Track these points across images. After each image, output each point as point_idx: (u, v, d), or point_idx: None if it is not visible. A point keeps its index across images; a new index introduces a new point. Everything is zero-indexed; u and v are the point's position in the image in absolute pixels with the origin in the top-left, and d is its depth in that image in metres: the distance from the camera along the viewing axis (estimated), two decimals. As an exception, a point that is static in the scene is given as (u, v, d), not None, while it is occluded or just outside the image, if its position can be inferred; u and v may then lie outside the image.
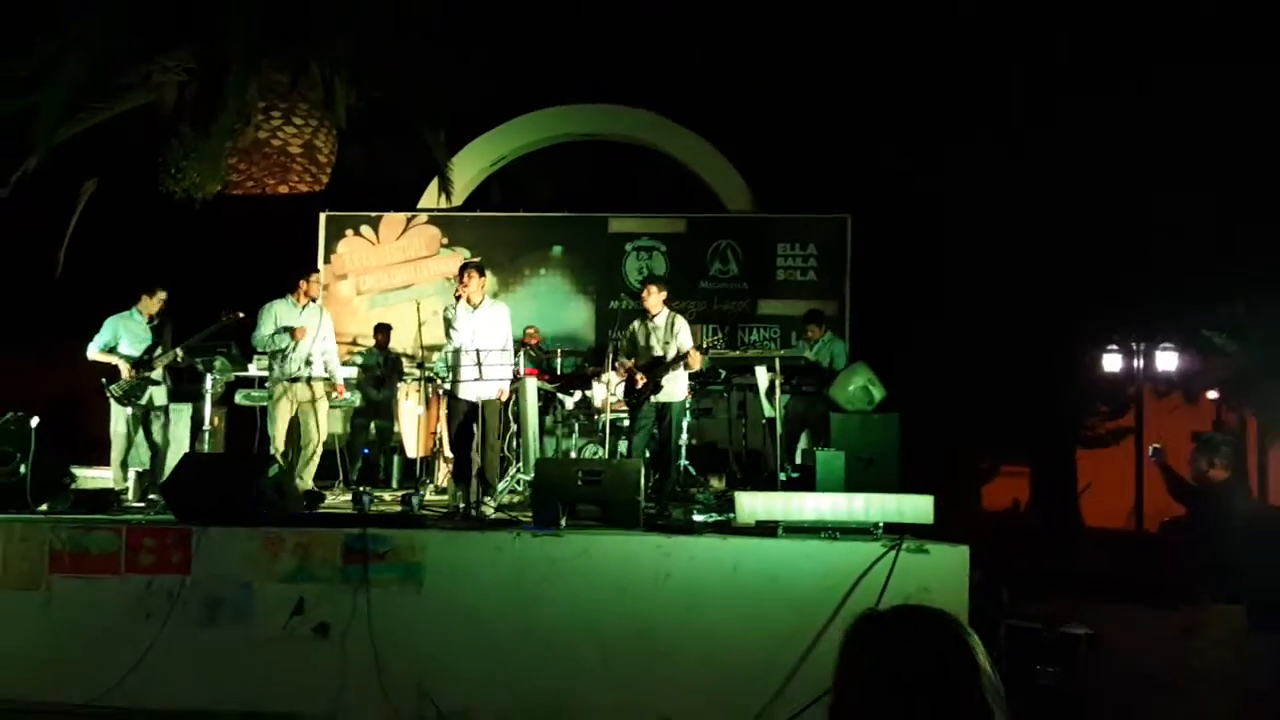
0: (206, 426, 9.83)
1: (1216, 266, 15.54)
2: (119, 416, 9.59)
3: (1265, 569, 6.49)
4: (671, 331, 9.43)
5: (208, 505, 7.79)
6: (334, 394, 9.95)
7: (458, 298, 9.16)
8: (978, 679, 1.55)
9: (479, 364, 8.75)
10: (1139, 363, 18.62)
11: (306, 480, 9.61)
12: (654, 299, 9.53)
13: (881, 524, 7.52)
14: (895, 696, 1.54)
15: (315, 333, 9.62)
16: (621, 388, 9.77)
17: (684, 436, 10.63)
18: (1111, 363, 18.99)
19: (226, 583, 7.49)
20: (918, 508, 7.60)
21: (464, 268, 9.30)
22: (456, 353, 8.87)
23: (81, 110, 13.59)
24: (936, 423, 12.70)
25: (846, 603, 7.00)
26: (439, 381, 10.44)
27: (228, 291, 10.48)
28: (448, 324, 9.02)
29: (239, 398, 10.76)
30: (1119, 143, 14.27)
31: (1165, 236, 14.97)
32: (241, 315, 9.67)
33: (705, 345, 9.97)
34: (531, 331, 12.07)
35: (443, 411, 10.58)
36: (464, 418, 8.99)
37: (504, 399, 9.23)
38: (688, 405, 10.50)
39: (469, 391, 8.92)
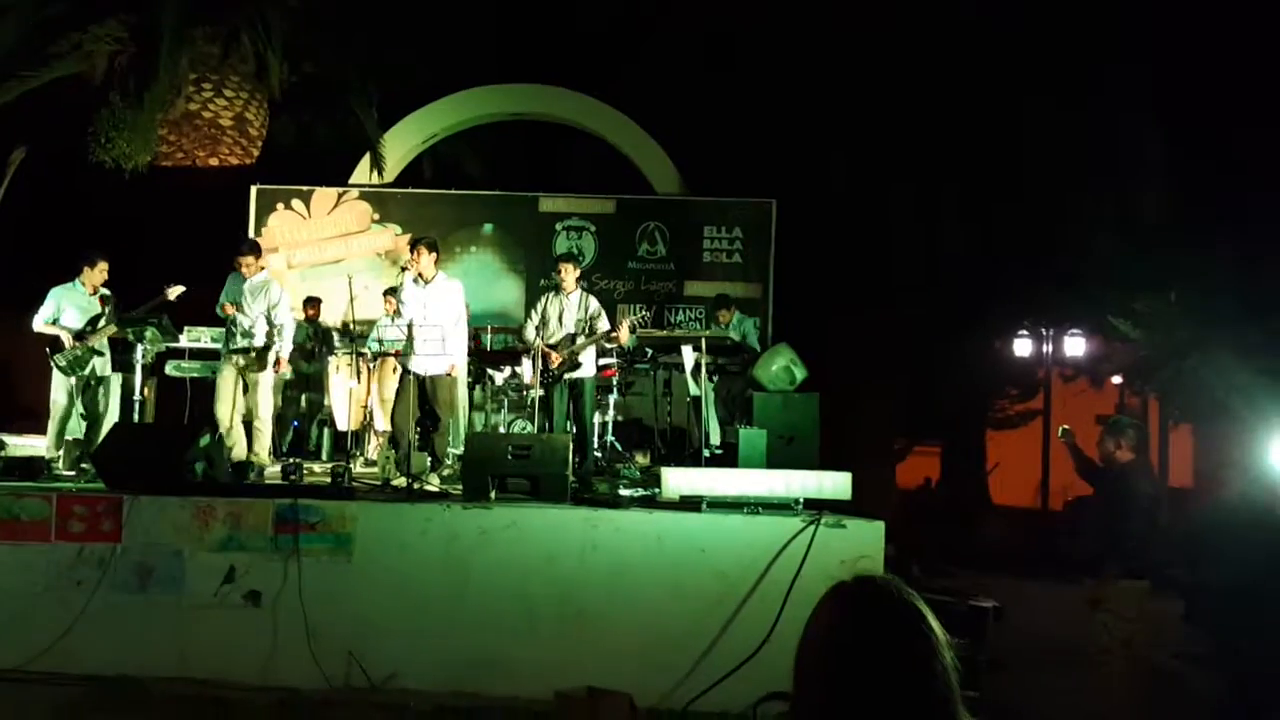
0: (137, 396, 9.72)
1: (1124, 258, 15.90)
2: (60, 386, 9.47)
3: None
4: (584, 309, 9.46)
5: (138, 474, 7.74)
6: (276, 368, 9.84)
7: (404, 269, 9.16)
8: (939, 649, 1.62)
9: (418, 339, 8.80)
10: (1048, 348, 19.09)
11: (261, 455, 9.54)
12: (569, 276, 9.54)
13: (802, 500, 7.68)
14: (866, 663, 1.59)
15: (257, 304, 9.53)
16: (536, 365, 9.79)
17: (610, 413, 10.71)
18: (1022, 348, 19.45)
19: (158, 551, 7.47)
20: (836, 484, 7.76)
21: (414, 243, 9.29)
22: (409, 327, 8.89)
23: (11, 78, 13.31)
24: (854, 402, 12.91)
25: (768, 574, 7.16)
26: (367, 355, 10.43)
27: (161, 264, 10.39)
28: (395, 299, 9.04)
29: (169, 368, 10.65)
30: (1033, 139, 14.55)
31: (1076, 229, 15.30)
32: (183, 289, 9.58)
33: (634, 323, 10.02)
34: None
35: (373, 384, 10.58)
36: (417, 393, 9.03)
37: (454, 374, 9.27)
38: (615, 382, 10.59)
39: (418, 366, 8.95)
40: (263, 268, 9.74)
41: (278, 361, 9.64)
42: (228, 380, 9.45)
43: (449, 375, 9.12)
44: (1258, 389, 15.03)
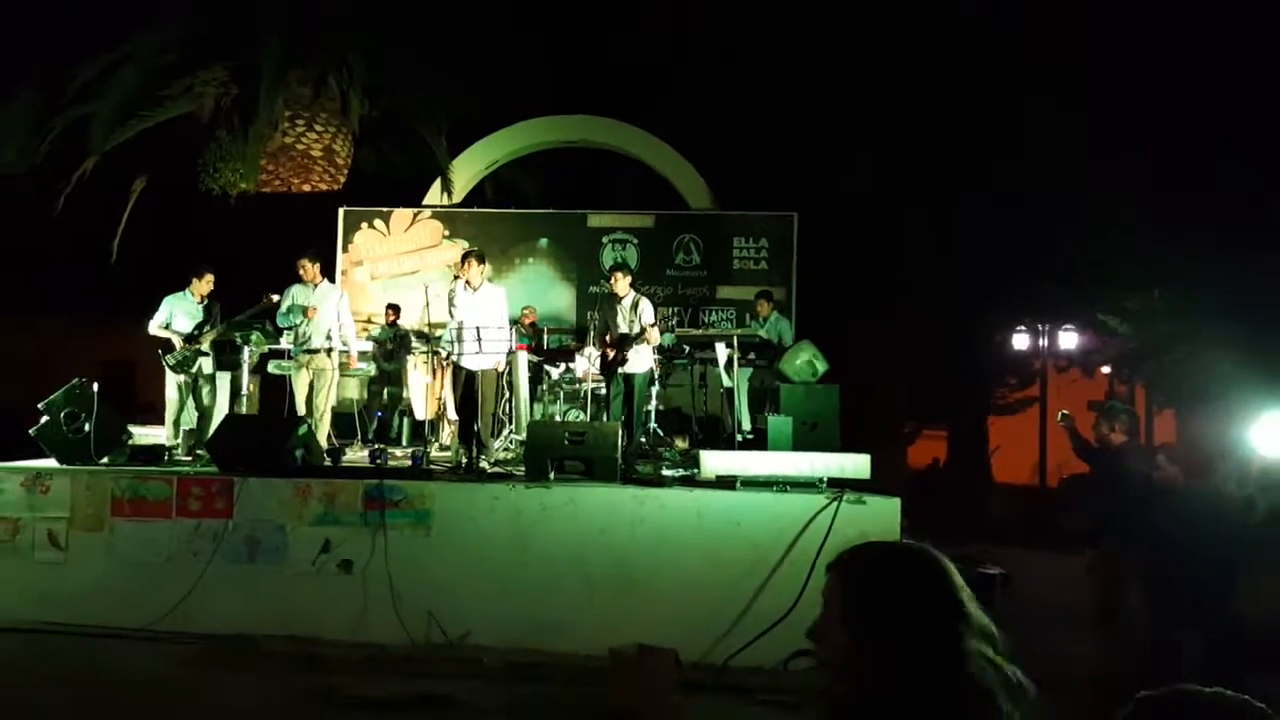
0: (244, 391, 9.87)
1: (1113, 259, 15.76)
2: (172, 383, 9.62)
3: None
4: (635, 311, 9.48)
5: (247, 459, 7.88)
6: (348, 365, 9.98)
7: (456, 278, 9.24)
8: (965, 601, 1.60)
9: (478, 339, 8.85)
10: (1044, 342, 18.95)
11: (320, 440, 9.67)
12: (620, 284, 9.53)
13: (825, 479, 7.68)
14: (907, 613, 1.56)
15: (326, 311, 9.68)
16: (598, 361, 9.88)
17: (653, 403, 10.73)
18: (1020, 342, 19.32)
19: (264, 525, 7.61)
20: (857, 465, 7.75)
21: (465, 255, 9.34)
22: (460, 328, 8.96)
23: (132, 118, 13.55)
24: (870, 392, 12.88)
25: (796, 544, 7.18)
26: (442, 354, 10.53)
27: (260, 277, 10.54)
28: (450, 302, 9.10)
29: (271, 367, 10.80)
30: (1028, 153, 14.44)
31: (1068, 233, 15.18)
32: (277, 298, 9.74)
33: (670, 324, 10.02)
34: (528, 312, 12.12)
35: (447, 380, 10.68)
36: (465, 385, 9.09)
37: (500, 370, 9.32)
38: (655, 376, 10.61)
39: (469, 363, 9.02)
40: (318, 281, 9.86)
41: (346, 360, 9.78)
42: (303, 379, 9.63)
43: (495, 370, 9.18)
44: (1237, 378, 14.86)
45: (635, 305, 9.48)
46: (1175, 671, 6.97)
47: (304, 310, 9.52)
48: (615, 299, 9.56)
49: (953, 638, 1.53)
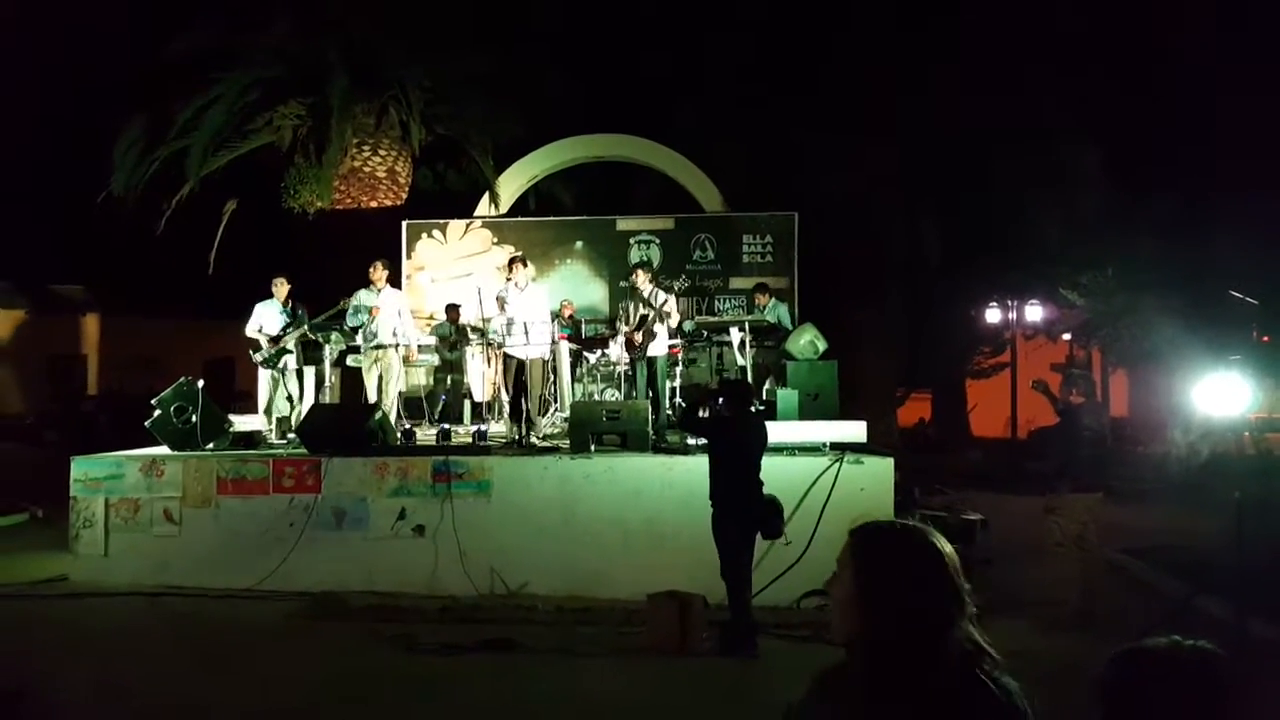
0: (327, 383, 9.90)
1: (1070, 243, 15.62)
2: (264, 377, 9.67)
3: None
4: (654, 302, 9.36)
5: (332, 442, 7.91)
6: (409, 357, 10.02)
7: (508, 280, 9.21)
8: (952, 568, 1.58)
9: (526, 332, 8.84)
10: (1013, 315, 18.77)
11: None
12: (641, 279, 9.43)
13: (828, 443, 7.64)
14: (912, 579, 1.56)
15: (389, 311, 9.69)
16: (624, 347, 9.77)
17: (676, 381, 10.60)
18: (992, 316, 19.15)
19: (348, 498, 7.67)
20: (855, 430, 7.74)
21: (512, 260, 9.35)
22: (509, 323, 8.94)
23: (222, 148, 13.58)
24: (864, 365, 12.79)
25: (804, 500, 7.14)
26: (494, 345, 10.50)
27: (336, 283, 10.56)
28: (501, 302, 9.08)
29: (349, 361, 10.82)
30: (998, 148, 14.25)
31: (1032, 220, 15.01)
32: (346, 301, 9.77)
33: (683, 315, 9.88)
34: (566, 304, 12.04)
35: (500, 367, 10.66)
36: (516, 371, 9.08)
37: (545, 358, 9.29)
38: (676, 358, 10.46)
39: (518, 352, 9.01)
40: (381, 285, 9.86)
41: (408, 354, 9.79)
42: (373, 371, 9.66)
43: (541, 358, 9.14)
44: (1179, 342, 14.72)
45: (654, 296, 9.41)
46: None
47: (369, 310, 9.53)
48: (637, 293, 9.49)
49: (948, 618, 1.53)
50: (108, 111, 14.40)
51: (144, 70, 13.86)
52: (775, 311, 10.92)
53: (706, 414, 6.60)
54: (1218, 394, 5.76)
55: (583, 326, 11.98)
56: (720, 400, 6.38)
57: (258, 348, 9.55)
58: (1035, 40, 14.43)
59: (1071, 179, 14.36)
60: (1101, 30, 15.40)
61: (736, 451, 6.16)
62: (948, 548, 1.59)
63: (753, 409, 6.56)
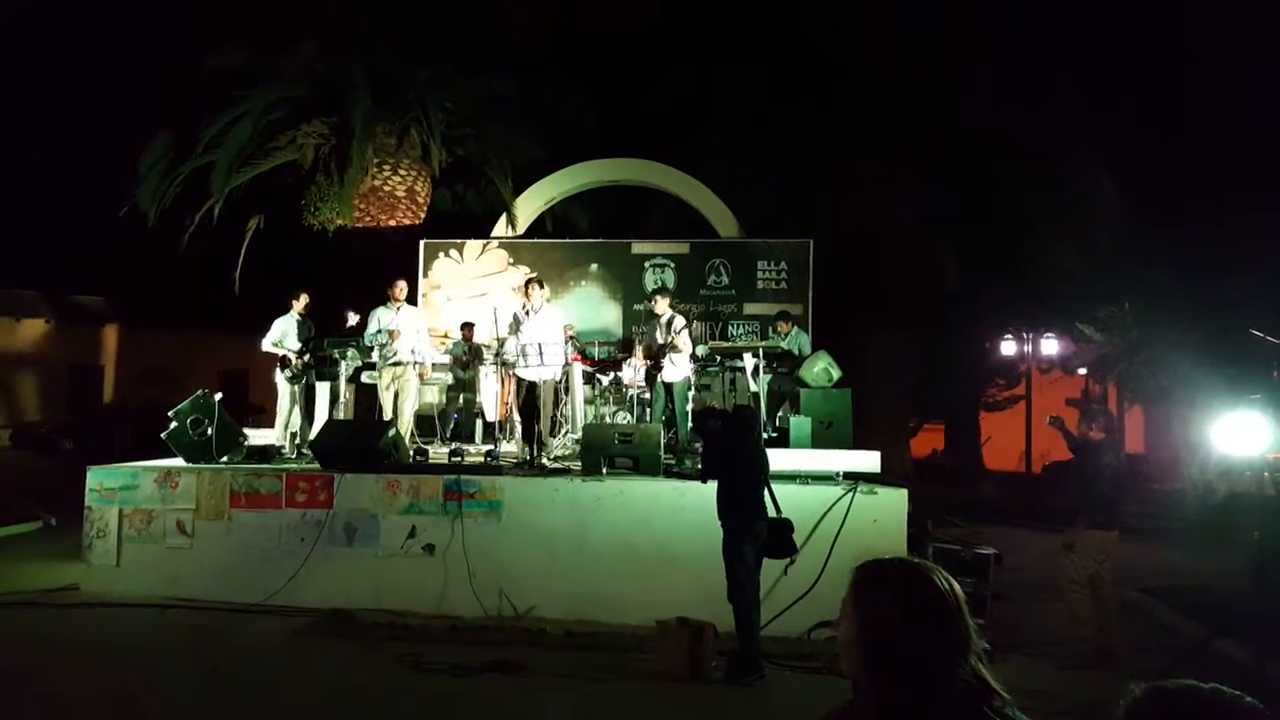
0: (342, 399, 9.91)
1: (1087, 276, 15.54)
2: (285, 392, 9.70)
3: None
4: (671, 327, 9.42)
5: (345, 458, 7.91)
6: (424, 375, 10.03)
7: (524, 305, 9.23)
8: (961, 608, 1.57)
9: (540, 353, 8.83)
10: (1028, 348, 18.70)
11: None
12: (660, 304, 9.49)
13: (841, 472, 7.59)
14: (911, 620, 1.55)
15: (407, 330, 9.71)
16: (642, 371, 9.81)
17: (689, 405, 10.61)
18: (1007, 348, 19.09)
19: (359, 515, 7.65)
20: (868, 460, 7.66)
21: (527, 281, 9.36)
22: (523, 347, 8.94)
23: (246, 165, 13.71)
24: (878, 394, 12.72)
25: (817, 530, 7.08)
26: (508, 366, 10.50)
27: (355, 300, 10.60)
28: (515, 323, 9.09)
29: (364, 377, 10.85)
30: (1013, 181, 14.22)
31: (1049, 254, 14.95)
32: (356, 318, 9.81)
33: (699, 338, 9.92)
34: (568, 326, 12.05)
35: (513, 387, 10.66)
36: (527, 393, 9.07)
37: (557, 380, 9.29)
38: (691, 383, 10.48)
39: (531, 374, 9.01)
40: (402, 302, 9.88)
41: (422, 371, 9.81)
42: (389, 389, 9.66)
43: (554, 379, 9.13)
44: (1195, 378, 14.60)
45: (670, 322, 9.44)
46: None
47: (390, 333, 9.55)
48: (655, 317, 9.52)
49: (950, 657, 1.53)
50: (133, 126, 14.60)
51: (171, 86, 14.03)
52: (797, 340, 10.85)
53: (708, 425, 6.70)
54: (1237, 432, 5.70)
55: (595, 349, 11.98)
56: (719, 422, 6.45)
57: (286, 364, 9.59)
58: (1057, 68, 14.42)
59: (1090, 209, 14.30)
60: (1124, 61, 15.40)
61: (736, 469, 6.25)
62: (952, 586, 1.59)
63: (753, 435, 6.57)
